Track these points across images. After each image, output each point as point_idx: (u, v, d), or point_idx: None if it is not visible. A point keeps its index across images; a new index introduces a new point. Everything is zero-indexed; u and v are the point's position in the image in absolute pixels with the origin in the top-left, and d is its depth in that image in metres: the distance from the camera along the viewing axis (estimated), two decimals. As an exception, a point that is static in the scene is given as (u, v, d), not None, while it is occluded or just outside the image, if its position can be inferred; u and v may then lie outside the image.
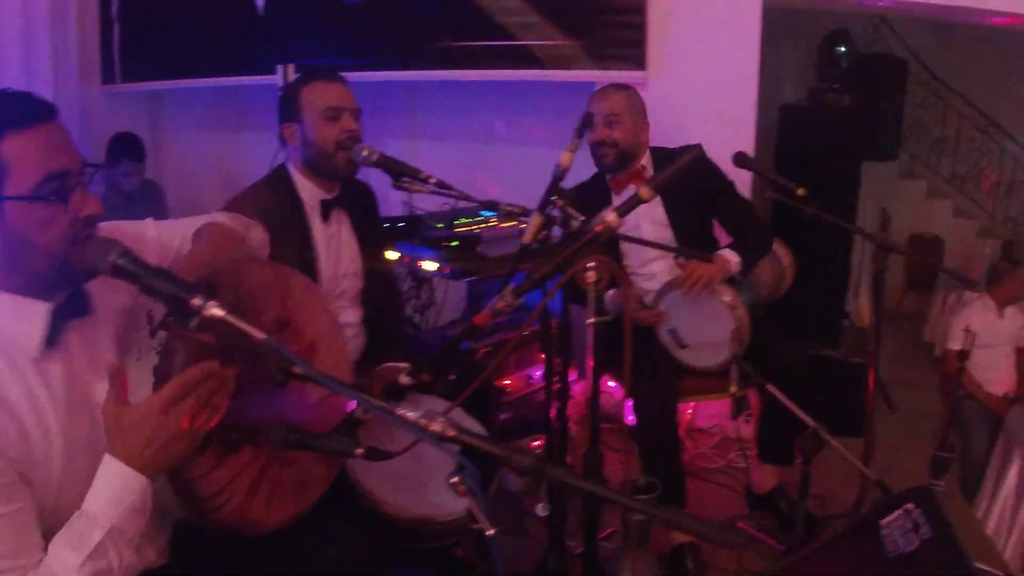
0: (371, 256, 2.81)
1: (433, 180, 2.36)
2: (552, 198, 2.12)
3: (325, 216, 2.67)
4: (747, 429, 3.61)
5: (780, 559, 3.16)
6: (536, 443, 3.58)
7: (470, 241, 3.52)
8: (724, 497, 3.56)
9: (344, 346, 2.06)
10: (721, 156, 3.30)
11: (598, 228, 1.69)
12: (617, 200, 3.39)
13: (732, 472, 3.64)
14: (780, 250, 3.63)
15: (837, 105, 5.63)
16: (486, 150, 4.82)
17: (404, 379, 1.82)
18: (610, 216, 1.71)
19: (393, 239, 3.65)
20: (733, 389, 2.66)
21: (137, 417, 1.43)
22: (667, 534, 3.09)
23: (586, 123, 2.22)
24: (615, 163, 3.35)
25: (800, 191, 3.07)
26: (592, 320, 1.70)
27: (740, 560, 3.15)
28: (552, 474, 1.16)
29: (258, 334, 1.37)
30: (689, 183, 3.32)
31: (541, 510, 2.15)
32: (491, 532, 1.18)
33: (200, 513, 1.63)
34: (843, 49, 5.57)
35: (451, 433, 1.21)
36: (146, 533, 1.50)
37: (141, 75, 5.26)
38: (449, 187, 2.36)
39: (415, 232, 3.69)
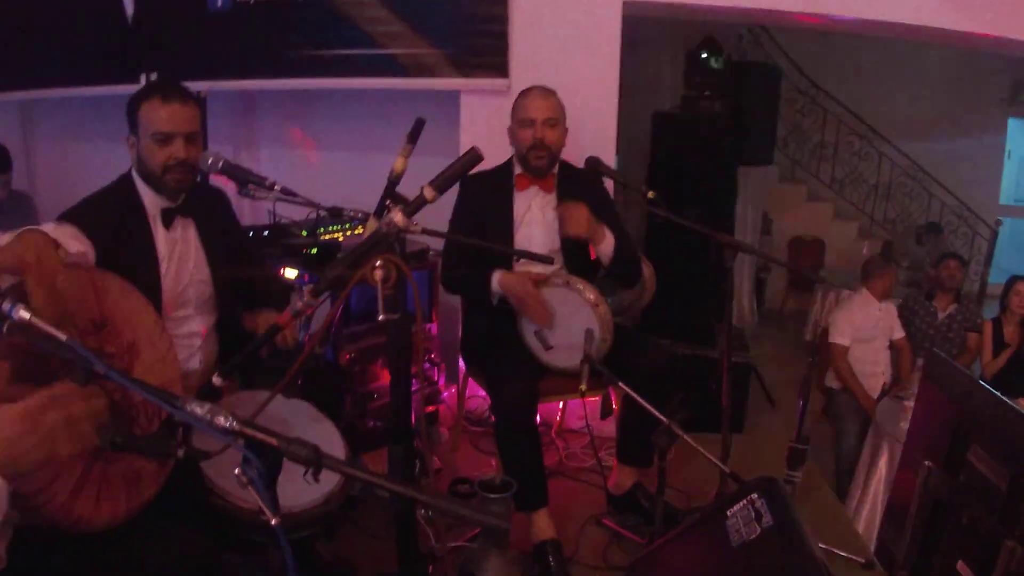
0: (225, 262, 2.81)
1: (278, 187, 2.39)
2: (387, 203, 2.18)
3: (167, 224, 2.66)
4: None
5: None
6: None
7: (330, 248, 3.56)
8: (592, 495, 3.65)
9: (169, 347, 2.09)
10: (582, 163, 3.44)
11: (385, 228, 1.77)
12: (519, 197, 3.48)
13: (602, 472, 3.73)
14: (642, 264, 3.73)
15: (709, 112, 5.81)
16: (361, 158, 4.87)
17: (216, 380, 1.87)
18: (397, 216, 1.80)
19: (258, 247, 3.66)
20: (583, 388, 2.71)
21: (2, 421, 1.43)
22: (529, 532, 3.16)
23: (419, 129, 2.28)
24: (547, 166, 3.43)
25: (650, 194, 3.15)
26: (383, 317, 1.77)
27: (605, 556, 3.24)
28: (328, 464, 1.23)
29: (60, 335, 1.41)
30: (584, 193, 3.44)
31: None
32: (275, 522, 1.24)
33: (25, 510, 1.67)
34: (711, 57, 5.75)
35: (236, 427, 1.27)
36: None
37: (10, 84, 5.15)
38: (294, 194, 2.39)
39: (278, 240, 3.71)
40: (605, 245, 3.30)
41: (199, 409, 1.29)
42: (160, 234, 2.66)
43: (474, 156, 1.96)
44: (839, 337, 5.05)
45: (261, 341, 1.94)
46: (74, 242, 2.12)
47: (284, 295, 2.86)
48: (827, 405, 5.25)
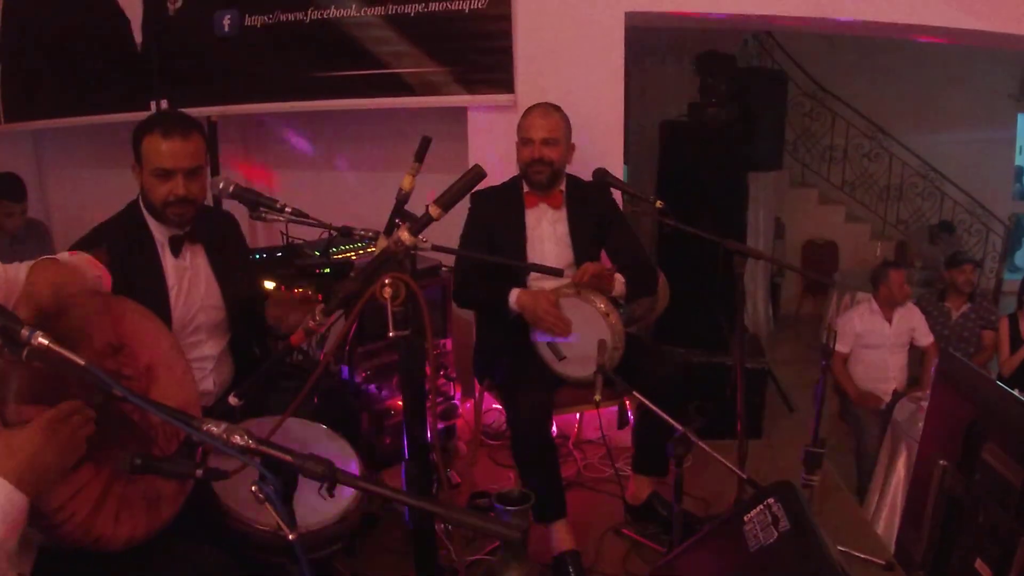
0: (236, 285, 2.84)
1: (289, 209, 2.41)
2: (396, 221, 2.21)
3: (176, 251, 2.69)
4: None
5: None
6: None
7: (342, 267, 3.59)
8: (611, 506, 3.65)
9: (186, 369, 2.11)
10: (590, 175, 3.45)
11: (393, 246, 1.80)
12: (529, 214, 3.52)
13: (620, 481, 3.74)
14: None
15: (716, 120, 5.81)
16: (372, 178, 4.92)
17: (232, 400, 1.89)
18: (404, 234, 1.82)
19: (270, 268, 3.69)
20: (597, 398, 2.71)
21: (22, 439, 1.56)
22: (548, 544, 3.17)
23: (425, 147, 2.31)
24: (548, 182, 3.48)
25: (659, 204, 3.17)
26: (393, 334, 1.79)
27: (624, 565, 3.24)
28: (343, 479, 1.25)
29: (78, 360, 1.44)
30: (593, 206, 3.49)
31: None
32: (292, 537, 1.26)
33: (46, 529, 1.70)
34: (717, 66, 5.77)
35: (252, 445, 1.29)
36: (14, 555, 1.58)
37: (23, 115, 5.22)
38: (305, 215, 2.42)
39: (291, 260, 3.74)
40: (617, 286, 3.33)
41: (215, 428, 1.31)
42: (169, 262, 2.68)
43: (477, 174, 1.99)
44: (838, 344, 5.07)
45: (275, 361, 1.97)
46: (91, 267, 2.15)
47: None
48: (844, 407, 5.24)
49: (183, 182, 2.56)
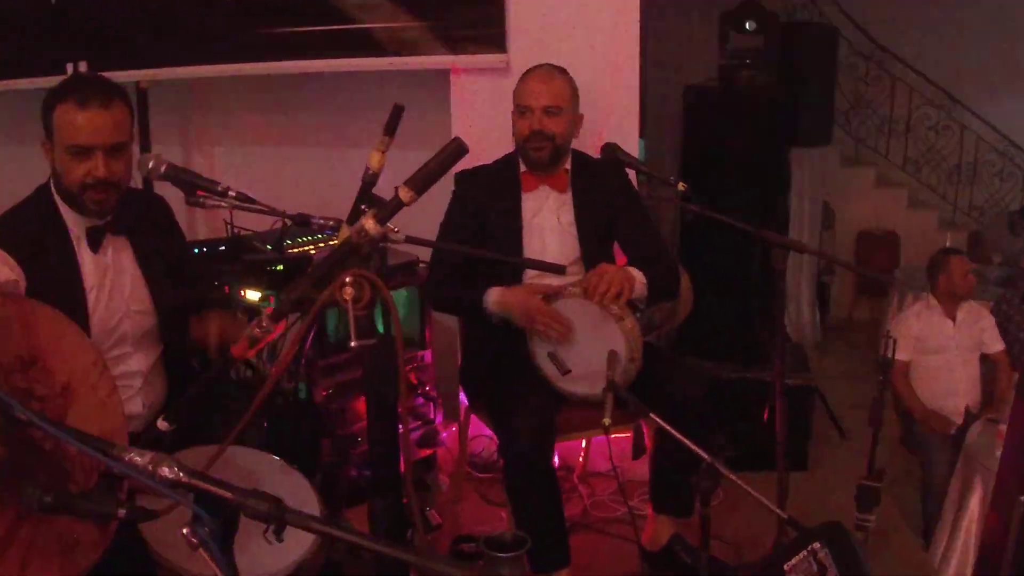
0: (169, 286, 2.83)
1: (233, 193, 2.40)
2: (362, 207, 2.20)
3: (95, 246, 2.67)
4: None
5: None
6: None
7: (299, 264, 3.58)
8: (624, 551, 3.66)
9: (112, 389, 2.10)
10: (597, 151, 3.45)
11: (356, 238, 1.79)
12: (527, 199, 3.53)
13: (635, 523, 3.74)
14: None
15: (752, 84, 5.79)
16: (334, 155, 4.91)
17: (162, 424, 1.89)
18: (369, 223, 1.81)
19: (212, 265, 3.68)
20: (607, 421, 2.70)
21: None
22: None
23: (397, 117, 2.30)
24: (549, 159, 3.47)
25: (681, 186, 3.16)
26: (355, 343, 1.78)
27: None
28: (293, 520, 1.24)
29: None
30: (604, 188, 3.49)
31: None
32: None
33: None
34: (753, 19, 5.75)
35: (183, 479, 1.28)
36: None
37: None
38: (253, 200, 2.41)
39: (238, 256, 3.74)
40: (638, 286, 3.32)
41: (139, 459, 1.30)
42: (86, 258, 2.67)
43: (457, 148, 1.98)
44: (898, 351, 5.06)
45: (211, 378, 1.96)
46: (3, 268, 2.15)
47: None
48: (906, 431, 5.24)
49: (103, 161, 2.54)
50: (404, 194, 1.90)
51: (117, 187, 2.61)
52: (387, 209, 1.89)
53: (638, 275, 3.31)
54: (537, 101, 3.40)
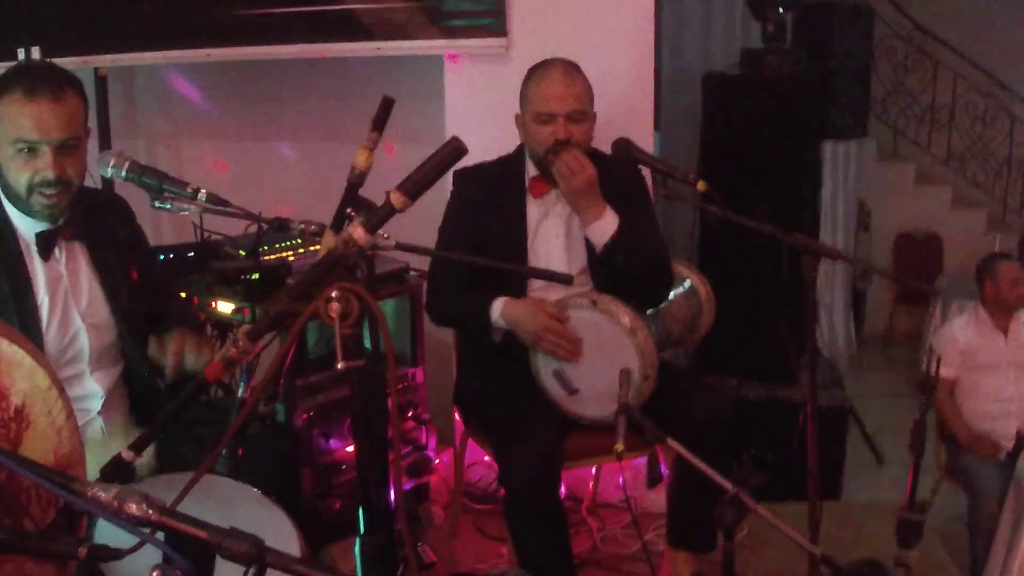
0: (131, 297, 2.82)
1: (203, 194, 2.41)
2: (348, 211, 2.21)
3: (45, 253, 2.67)
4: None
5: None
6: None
7: (276, 272, 3.57)
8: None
9: (70, 414, 2.10)
10: (608, 147, 3.48)
11: (342, 247, 1.79)
12: (533, 204, 3.54)
13: (650, 559, 3.73)
14: (695, 279, 3.75)
15: (779, 71, 5.80)
16: (318, 151, 4.92)
17: (127, 454, 1.89)
18: (357, 231, 1.81)
19: (179, 273, 3.68)
20: (619, 447, 2.70)
21: None
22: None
23: (386, 112, 2.31)
24: None
25: (701, 185, 3.16)
26: (342, 364, 1.78)
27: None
28: (274, 561, 1.25)
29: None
30: (617, 189, 3.46)
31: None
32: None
33: None
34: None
35: (152, 516, 1.29)
36: None
37: None
38: (225, 203, 2.42)
39: (208, 263, 3.74)
40: (603, 223, 3.34)
41: (103, 494, 1.31)
42: (38, 268, 2.67)
43: (455, 150, 1.97)
44: (942, 368, 5.03)
45: (181, 402, 1.96)
46: None
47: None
48: (951, 457, 5.23)
49: (54, 159, 2.54)
50: (396, 200, 1.89)
51: (69, 188, 2.60)
52: (377, 216, 1.89)
53: (610, 216, 3.34)
54: (562, 107, 3.37)
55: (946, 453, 5.27)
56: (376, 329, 1.83)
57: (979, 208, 9.78)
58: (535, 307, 3.27)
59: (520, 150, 3.57)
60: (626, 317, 3.18)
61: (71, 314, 2.71)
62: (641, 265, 3.44)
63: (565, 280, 2.59)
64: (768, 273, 5.12)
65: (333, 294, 1.79)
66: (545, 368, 3.33)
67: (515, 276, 3.43)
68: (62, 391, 2.16)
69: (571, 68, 3.46)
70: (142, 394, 2.87)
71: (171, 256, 3.84)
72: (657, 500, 3.83)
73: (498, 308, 3.30)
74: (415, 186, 1.91)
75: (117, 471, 1.94)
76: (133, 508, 1.30)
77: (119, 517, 1.31)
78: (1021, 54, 9.54)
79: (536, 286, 3.47)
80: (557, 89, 3.39)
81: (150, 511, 1.30)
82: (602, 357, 3.21)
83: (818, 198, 6.23)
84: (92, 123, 4.36)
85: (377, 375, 2.02)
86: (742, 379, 5.25)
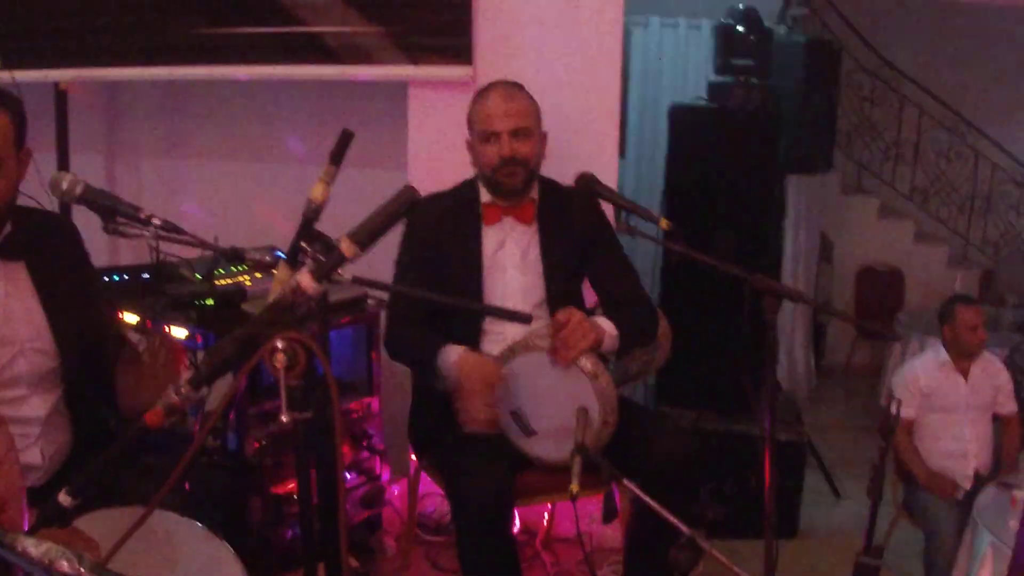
0: (73, 319, 2.76)
1: (157, 221, 2.37)
2: (303, 245, 2.18)
3: None
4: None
5: None
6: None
7: (231, 297, 3.54)
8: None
9: (10, 447, 2.06)
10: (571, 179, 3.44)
11: (290, 296, 1.75)
12: (488, 233, 3.50)
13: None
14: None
15: (745, 104, 5.82)
16: (270, 170, 4.89)
17: (64, 499, 1.84)
18: (305, 280, 1.78)
19: (131, 297, 3.63)
20: (574, 488, 2.68)
21: None
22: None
23: (344, 145, 2.28)
24: (523, 184, 3.46)
25: (663, 223, 3.13)
26: (286, 418, 1.75)
27: None
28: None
29: None
30: (575, 221, 3.48)
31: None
32: None
33: None
34: (748, 31, 5.78)
35: (84, 573, 1.25)
36: None
37: None
38: (180, 231, 2.38)
39: (163, 287, 3.69)
40: (607, 340, 3.30)
41: (33, 550, 1.26)
42: None
43: (407, 198, 1.94)
44: (902, 408, 5.04)
45: (121, 446, 1.91)
46: None
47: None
48: (909, 495, 5.24)
49: None
50: (347, 248, 1.86)
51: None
52: (326, 266, 1.85)
53: (608, 326, 3.30)
54: (503, 124, 3.37)
55: (903, 491, 5.28)
56: (324, 383, 1.78)
57: (942, 243, 9.86)
58: (480, 368, 3.20)
59: (472, 182, 3.56)
60: (588, 361, 3.14)
61: (9, 336, 2.64)
62: (642, 338, 3.55)
63: (524, 320, 2.55)
64: (729, 308, 5.10)
65: (279, 344, 1.76)
66: (503, 407, 3.29)
67: (472, 313, 3.39)
68: (3, 424, 2.12)
69: (511, 86, 3.47)
70: (84, 421, 2.81)
71: (125, 277, 3.79)
72: (612, 535, 3.81)
73: (452, 356, 3.24)
74: (366, 236, 1.88)
75: (55, 516, 1.89)
76: (64, 567, 1.26)
77: (49, 574, 1.26)
78: (986, 91, 9.64)
79: (493, 321, 3.44)
80: (498, 106, 3.39)
81: (83, 570, 1.26)
82: (560, 399, 3.17)
83: (781, 230, 6.26)
84: (49, 139, 4.38)
85: (325, 429, 1.97)
86: (700, 411, 5.24)
